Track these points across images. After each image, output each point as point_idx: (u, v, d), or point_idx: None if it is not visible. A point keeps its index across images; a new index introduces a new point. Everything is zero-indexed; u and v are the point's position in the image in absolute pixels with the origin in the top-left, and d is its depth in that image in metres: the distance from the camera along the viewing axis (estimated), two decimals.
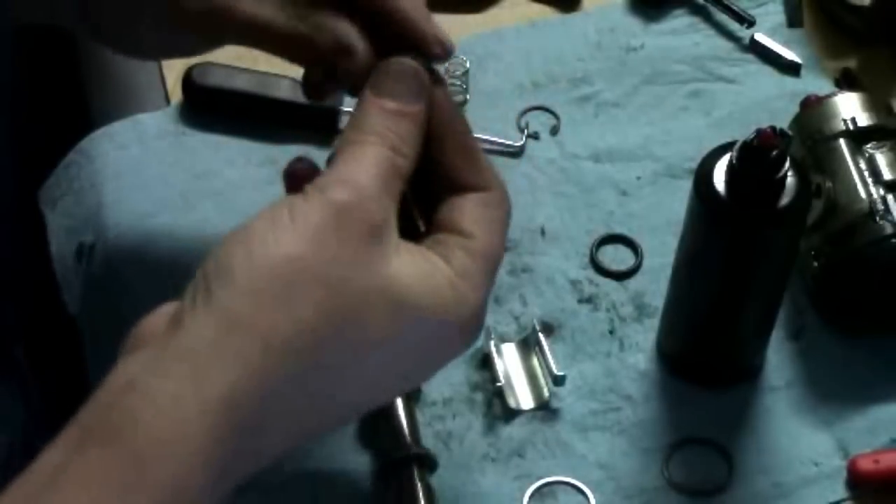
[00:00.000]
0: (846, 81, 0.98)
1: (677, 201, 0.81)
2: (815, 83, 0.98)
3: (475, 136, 0.93)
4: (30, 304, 1.09)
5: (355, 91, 0.67)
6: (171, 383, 0.53)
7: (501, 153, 0.94)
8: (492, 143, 0.94)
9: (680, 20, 1.03)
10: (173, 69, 0.98)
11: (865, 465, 0.80)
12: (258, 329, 0.54)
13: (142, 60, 0.95)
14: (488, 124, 0.96)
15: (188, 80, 0.96)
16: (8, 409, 1.00)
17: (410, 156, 0.62)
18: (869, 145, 0.85)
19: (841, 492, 0.80)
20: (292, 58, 0.74)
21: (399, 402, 0.80)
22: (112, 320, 0.89)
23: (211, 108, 0.96)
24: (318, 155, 0.95)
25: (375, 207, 0.58)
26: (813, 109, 0.88)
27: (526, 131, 0.96)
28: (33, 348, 1.09)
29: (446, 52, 0.68)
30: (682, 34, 1.02)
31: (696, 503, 0.80)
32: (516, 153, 0.94)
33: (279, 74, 0.96)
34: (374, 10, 0.68)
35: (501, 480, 0.80)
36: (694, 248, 0.78)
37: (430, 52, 0.67)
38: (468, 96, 0.97)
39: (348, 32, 0.69)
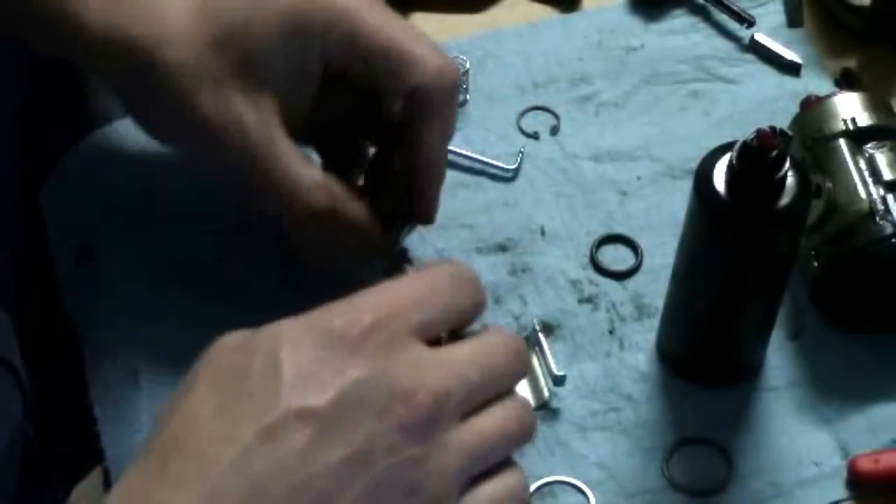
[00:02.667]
0: (846, 81, 0.98)
1: (677, 201, 0.81)
2: (815, 83, 0.98)
3: (470, 155, 0.95)
4: (29, 304, 1.08)
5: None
6: None
7: (494, 177, 0.94)
8: (484, 164, 0.94)
9: (680, 20, 1.03)
10: None
11: (865, 465, 0.80)
12: None
13: None
14: (488, 124, 0.97)
15: None
16: (5, 407, 1.00)
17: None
18: (869, 145, 0.85)
19: (841, 492, 0.80)
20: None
21: None
22: (112, 321, 0.89)
23: None
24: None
25: None
26: (813, 109, 0.88)
27: (522, 152, 0.96)
28: (32, 349, 1.09)
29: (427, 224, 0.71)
30: (681, 34, 1.02)
31: (696, 503, 0.80)
32: (510, 178, 0.94)
33: None
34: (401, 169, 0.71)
35: None
36: (694, 248, 0.78)
37: (421, 219, 0.71)
38: (468, 96, 0.97)
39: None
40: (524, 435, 0.59)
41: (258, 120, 0.70)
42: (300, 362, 0.51)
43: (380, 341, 0.52)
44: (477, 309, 0.59)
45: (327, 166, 0.79)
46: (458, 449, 0.54)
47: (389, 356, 0.52)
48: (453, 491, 0.54)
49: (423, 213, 0.73)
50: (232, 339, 0.54)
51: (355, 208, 0.72)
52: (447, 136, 0.74)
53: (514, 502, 0.59)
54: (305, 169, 0.71)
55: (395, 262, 0.69)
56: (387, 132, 0.77)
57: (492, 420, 0.56)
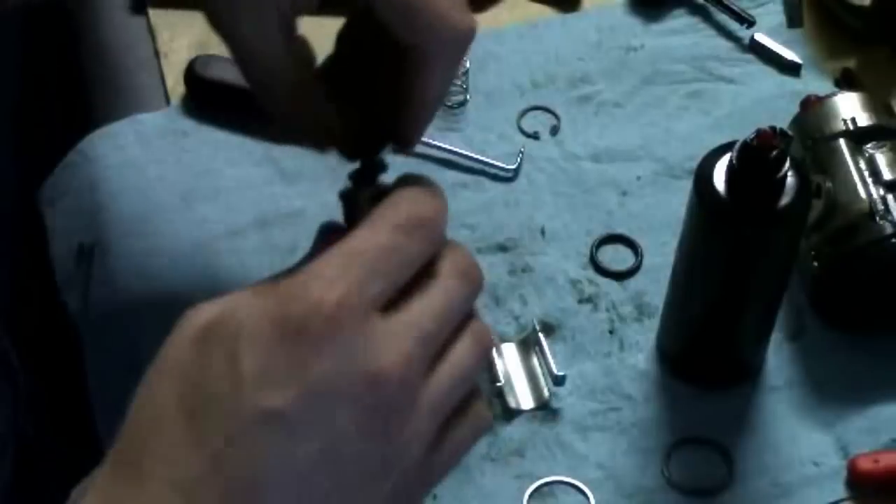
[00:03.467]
0: (846, 81, 0.98)
1: (677, 201, 0.81)
2: (815, 83, 0.98)
3: (470, 155, 0.94)
4: (29, 304, 1.09)
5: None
6: None
7: (494, 177, 0.94)
8: (484, 163, 0.94)
9: (680, 20, 1.03)
10: (173, 69, 0.98)
11: (865, 465, 0.80)
12: None
13: None
14: (488, 124, 0.97)
15: (190, 71, 0.96)
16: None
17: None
18: (869, 145, 0.85)
19: (841, 492, 0.80)
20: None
21: None
22: (111, 321, 0.89)
23: (211, 102, 0.96)
24: (316, 157, 0.95)
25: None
26: (813, 109, 0.88)
27: (522, 152, 0.96)
28: (32, 349, 1.09)
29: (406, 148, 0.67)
30: (682, 34, 1.02)
31: (696, 503, 0.80)
32: (510, 178, 0.94)
33: None
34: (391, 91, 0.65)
35: (501, 480, 0.80)
36: (694, 247, 0.78)
37: (403, 146, 0.65)
38: (468, 96, 0.97)
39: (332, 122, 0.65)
40: (484, 358, 0.58)
41: None
42: (260, 358, 0.51)
43: (338, 327, 0.51)
44: (435, 247, 0.56)
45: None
46: (428, 411, 0.54)
47: (349, 340, 0.52)
48: (428, 448, 0.54)
49: (406, 137, 0.67)
50: (189, 329, 0.54)
51: (318, 97, 0.66)
52: (452, 77, 0.71)
53: (484, 427, 0.59)
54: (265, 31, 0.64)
55: (366, 169, 0.65)
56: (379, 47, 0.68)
57: (456, 361, 0.56)
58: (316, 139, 0.66)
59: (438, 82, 0.65)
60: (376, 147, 0.65)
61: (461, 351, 0.56)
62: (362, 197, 0.60)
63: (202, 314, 0.53)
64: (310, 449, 0.51)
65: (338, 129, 0.65)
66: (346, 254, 0.52)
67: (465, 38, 0.65)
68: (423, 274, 0.55)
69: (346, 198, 0.60)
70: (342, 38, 0.67)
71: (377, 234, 0.53)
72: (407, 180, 0.58)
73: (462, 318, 0.56)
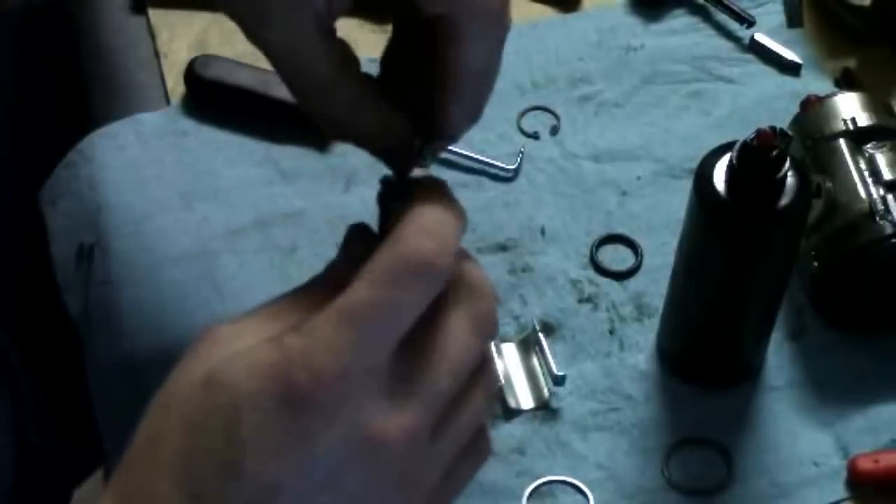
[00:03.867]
0: (846, 81, 0.98)
1: (677, 201, 0.81)
2: (815, 83, 0.98)
3: (470, 155, 0.94)
4: (29, 304, 1.09)
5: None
6: None
7: (494, 177, 0.94)
8: (484, 163, 0.94)
9: (680, 20, 1.03)
10: (173, 69, 0.98)
11: (865, 465, 0.80)
12: None
13: None
14: (488, 124, 0.96)
15: (190, 71, 0.96)
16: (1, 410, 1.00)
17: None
18: (869, 145, 0.85)
19: (841, 492, 0.80)
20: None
21: None
22: (111, 321, 0.89)
23: (211, 102, 0.96)
24: (316, 157, 0.95)
25: None
26: (813, 109, 0.88)
27: (522, 152, 0.96)
28: (32, 349, 1.09)
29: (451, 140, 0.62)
30: (682, 34, 1.02)
31: (696, 503, 0.80)
32: (510, 178, 0.94)
33: None
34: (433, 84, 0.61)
35: (501, 479, 0.80)
36: (694, 247, 0.78)
37: (442, 139, 0.61)
38: None
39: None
40: (490, 398, 0.57)
41: None
42: (261, 426, 0.49)
43: (342, 398, 0.49)
44: (441, 286, 0.52)
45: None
46: (437, 465, 0.53)
47: (353, 410, 0.49)
48: (433, 491, 0.54)
49: (443, 126, 0.62)
50: (198, 365, 0.51)
51: (369, 90, 0.60)
52: (491, 54, 0.65)
53: (485, 458, 0.57)
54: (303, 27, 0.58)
55: (398, 188, 0.61)
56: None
57: (468, 413, 0.54)
58: (371, 141, 0.61)
59: (472, 56, 0.61)
60: (416, 153, 0.61)
61: (474, 402, 0.54)
62: (396, 206, 0.56)
63: (212, 351, 0.51)
64: None
65: (397, 128, 0.60)
66: (347, 315, 0.50)
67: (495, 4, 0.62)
68: (434, 317, 0.53)
69: (382, 202, 0.58)
70: (390, 47, 0.63)
71: (377, 289, 0.50)
72: (422, 196, 0.55)
73: (475, 368, 0.54)
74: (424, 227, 0.52)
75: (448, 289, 0.53)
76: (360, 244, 0.56)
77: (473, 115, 0.63)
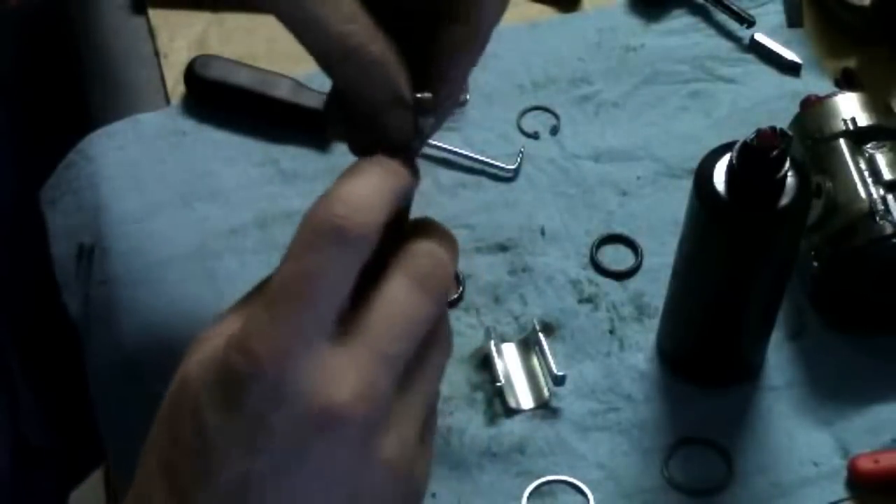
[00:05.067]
0: (846, 81, 0.98)
1: (677, 201, 0.81)
2: (815, 83, 0.98)
3: (470, 155, 0.94)
4: (29, 304, 1.09)
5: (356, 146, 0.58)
6: None
7: (494, 177, 0.94)
8: (484, 163, 0.94)
9: (680, 20, 1.03)
10: (173, 69, 0.98)
11: (865, 465, 0.80)
12: None
13: None
14: (488, 124, 0.97)
15: (190, 71, 0.96)
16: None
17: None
18: (869, 145, 0.85)
19: (841, 492, 0.80)
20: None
21: None
22: (111, 321, 0.89)
23: (211, 102, 0.96)
24: (316, 157, 0.95)
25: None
26: (813, 109, 0.88)
27: (522, 152, 0.96)
28: (32, 348, 1.09)
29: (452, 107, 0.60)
30: (682, 34, 1.02)
31: (696, 503, 0.80)
32: (510, 178, 0.94)
33: (280, 74, 0.96)
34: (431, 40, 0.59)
35: (501, 478, 0.80)
36: (694, 247, 0.78)
37: (441, 99, 0.58)
38: (468, 96, 0.97)
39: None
40: (445, 360, 0.56)
41: None
42: (221, 424, 0.49)
43: (282, 370, 0.49)
44: (371, 245, 0.51)
45: None
46: (407, 428, 0.52)
47: (300, 381, 0.49)
48: (418, 444, 0.53)
49: (446, 92, 0.59)
50: (179, 374, 0.52)
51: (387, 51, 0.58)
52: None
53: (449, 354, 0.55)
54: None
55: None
56: None
57: (426, 379, 0.54)
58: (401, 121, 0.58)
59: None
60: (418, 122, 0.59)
61: (428, 364, 0.53)
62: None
63: (192, 357, 0.51)
64: (293, 489, 0.50)
65: (401, 71, 0.58)
66: (273, 293, 0.50)
67: None
68: (377, 283, 0.52)
69: None
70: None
71: (295, 261, 0.50)
72: (350, 168, 0.54)
73: (430, 328, 0.52)
74: (337, 194, 0.52)
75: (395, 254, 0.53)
76: None
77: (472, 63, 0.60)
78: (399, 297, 0.52)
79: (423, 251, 0.53)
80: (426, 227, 0.55)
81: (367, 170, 0.54)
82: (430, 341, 0.53)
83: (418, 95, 0.58)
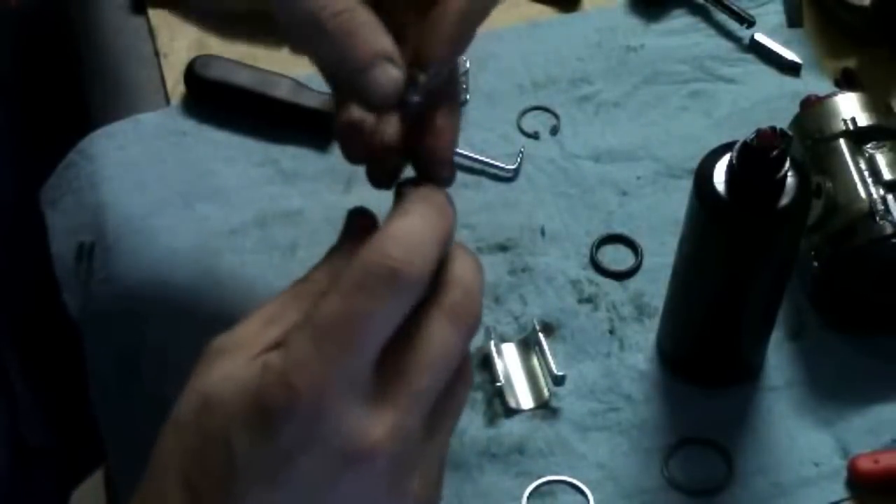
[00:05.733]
0: (846, 81, 0.98)
1: (677, 201, 0.81)
2: (815, 83, 0.98)
3: (470, 155, 0.94)
4: (29, 304, 1.09)
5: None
6: None
7: (494, 177, 0.94)
8: (484, 163, 0.94)
9: (680, 20, 1.03)
10: (173, 69, 0.98)
11: (865, 465, 0.80)
12: None
13: None
14: (488, 124, 0.97)
15: (190, 71, 0.96)
16: None
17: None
18: (869, 145, 0.85)
19: (841, 492, 0.80)
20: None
21: None
22: (111, 320, 0.89)
23: (211, 102, 0.96)
24: (316, 157, 0.95)
25: None
26: (813, 109, 0.88)
27: (522, 152, 0.96)
28: (32, 348, 1.09)
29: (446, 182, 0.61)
30: (682, 34, 1.02)
31: (696, 503, 0.80)
32: (510, 178, 0.94)
33: (280, 74, 0.96)
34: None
35: (501, 478, 0.80)
36: (694, 247, 0.78)
37: (437, 178, 0.60)
38: (468, 96, 0.97)
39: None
40: (467, 394, 0.56)
41: None
42: (251, 448, 0.49)
43: (319, 409, 0.49)
44: (416, 293, 0.52)
45: None
46: (433, 463, 0.52)
47: (334, 424, 0.49)
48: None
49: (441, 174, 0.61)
50: (198, 385, 0.52)
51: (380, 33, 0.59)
52: None
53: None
54: None
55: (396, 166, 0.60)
56: None
57: (454, 411, 0.54)
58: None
59: None
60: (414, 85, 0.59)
61: (457, 398, 0.54)
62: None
63: (211, 368, 0.51)
64: None
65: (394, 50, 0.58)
66: (320, 330, 0.50)
67: None
68: (416, 317, 0.52)
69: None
70: None
71: (347, 300, 0.50)
72: (400, 204, 0.54)
73: (458, 363, 0.53)
74: (393, 234, 0.52)
75: (432, 287, 0.53)
76: (359, 231, 0.55)
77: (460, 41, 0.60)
78: (435, 336, 0.52)
79: (461, 285, 0.53)
80: (459, 256, 0.55)
81: (421, 210, 0.53)
82: (457, 376, 0.53)
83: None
